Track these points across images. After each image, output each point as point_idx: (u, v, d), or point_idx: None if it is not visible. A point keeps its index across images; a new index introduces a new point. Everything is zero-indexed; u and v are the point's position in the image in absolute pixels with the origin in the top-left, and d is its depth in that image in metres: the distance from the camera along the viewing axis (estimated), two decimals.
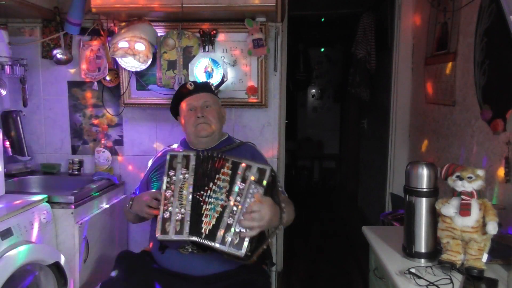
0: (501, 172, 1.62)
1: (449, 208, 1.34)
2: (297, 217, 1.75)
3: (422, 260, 1.45)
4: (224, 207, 1.46)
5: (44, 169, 2.57)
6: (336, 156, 6.42)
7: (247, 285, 1.58)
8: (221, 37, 2.37)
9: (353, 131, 5.34)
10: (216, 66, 2.35)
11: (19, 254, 1.68)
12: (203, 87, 1.87)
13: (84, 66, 2.48)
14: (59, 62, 2.48)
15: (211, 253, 1.54)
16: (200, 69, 2.34)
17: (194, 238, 1.47)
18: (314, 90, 6.53)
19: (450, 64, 2.14)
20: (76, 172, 2.54)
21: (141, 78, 2.44)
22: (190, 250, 1.58)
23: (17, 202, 1.86)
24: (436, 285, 1.26)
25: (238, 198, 1.45)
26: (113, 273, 1.63)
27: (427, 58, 2.48)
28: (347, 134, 5.79)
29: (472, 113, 1.90)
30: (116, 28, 2.38)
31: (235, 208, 1.45)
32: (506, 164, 1.58)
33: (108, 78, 2.49)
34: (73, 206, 2.02)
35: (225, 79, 2.36)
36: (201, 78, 2.34)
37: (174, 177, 1.53)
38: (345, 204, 5.24)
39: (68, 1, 2.30)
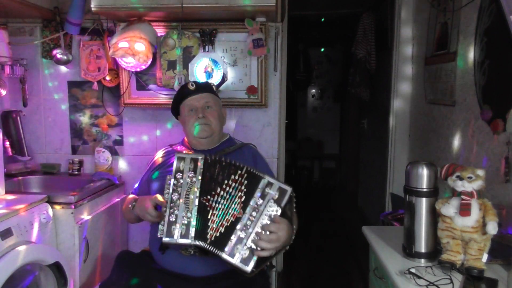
0: (501, 172, 1.62)
1: (449, 208, 1.34)
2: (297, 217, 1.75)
3: (422, 260, 1.45)
4: (237, 219, 1.45)
5: (44, 169, 2.57)
6: (336, 156, 6.42)
7: (247, 285, 1.58)
8: (221, 37, 2.37)
9: (353, 131, 5.34)
10: (216, 66, 2.35)
11: (19, 254, 1.68)
12: (205, 88, 1.87)
13: (84, 66, 2.48)
14: (59, 62, 2.48)
15: (213, 256, 1.53)
16: (200, 69, 2.34)
17: (199, 243, 1.46)
18: (314, 90, 6.53)
19: (450, 64, 2.14)
20: (76, 172, 2.54)
21: (141, 78, 2.44)
22: (192, 252, 1.56)
23: (17, 202, 1.86)
24: (436, 285, 1.26)
25: (254, 214, 1.44)
26: (112, 272, 1.64)
27: (427, 58, 2.48)
28: (347, 134, 5.79)
29: (472, 113, 1.90)
30: (116, 28, 2.38)
31: (249, 223, 1.44)
32: (506, 164, 1.58)
33: (108, 78, 2.49)
34: (73, 206, 2.02)
35: (225, 79, 2.36)
36: (201, 78, 2.34)
37: (181, 180, 1.51)
38: (345, 204, 5.24)
39: (68, 1, 2.30)
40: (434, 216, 1.44)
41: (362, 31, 3.57)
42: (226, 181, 1.50)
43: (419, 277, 1.30)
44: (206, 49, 2.34)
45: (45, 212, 1.93)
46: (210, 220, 1.48)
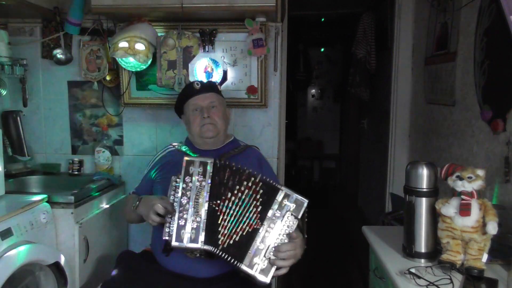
0: (501, 172, 1.62)
1: (449, 208, 1.34)
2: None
3: (422, 260, 1.45)
4: (255, 229, 1.45)
5: (44, 169, 2.57)
6: (336, 156, 6.42)
7: (248, 285, 1.58)
8: (221, 37, 2.37)
9: (353, 131, 5.34)
10: (216, 66, 2.35)
11: (19, 254, 1.68)
12: (210, 87, 1.86)
13: (84, 66, 2.48)
14: (59, 62, 2.48)
15: (217, 259, 1.53)
16: (200, 69, 2.34)
17: (208, 248, 1.45)
18: (314, 90, 6.53)
19: (450, 64, 2.14)
20: (76, 172, 2.54)
21: (141, 78, 2.44)
22: (198, 255, 1.55)
23: (17, 202, 1.86)
24: (436, 285, 1.26)
25: (272, 225, 1.45)
26: (114, 272, 1.63)
27: (427, 58, 2.48)
28: (347, 134, 5.79)
29: (472, 113, 1.90)
30: (116, 28, 2.38)
31: (267, 234, 1.44)
32: (506, 164, 1.58)
33: (108, 78, 2.49)
34: (73, 206, 2.02)
35: (226, 79, 2.36)
36: (201, 78, 2.34)
37: (190, 184, 1.49)
38: (345, 204, 5.24)
39: (68, 1, 2.30)
40: (434, 216, 1.44)
41: (362, 31, 3.57)
42: (237, 187, 1.49)
43: (419, 277, 1.30)
44: (206, 49, 2.34)
45: (45, 212, 1.93)
46: (221, 226, 1.47)
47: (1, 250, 1.64)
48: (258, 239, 1.44)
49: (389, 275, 1.39)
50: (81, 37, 2.47)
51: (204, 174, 1.50)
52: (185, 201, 1.48)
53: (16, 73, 2.35)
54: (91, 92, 2.55)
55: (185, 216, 1.46)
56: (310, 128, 6.52)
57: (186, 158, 1.54)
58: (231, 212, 1.48)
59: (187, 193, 1.49)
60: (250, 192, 1.49)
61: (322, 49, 6.41)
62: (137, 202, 1.65)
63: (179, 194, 1.49)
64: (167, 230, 1.48)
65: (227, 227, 1.47)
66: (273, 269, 1.43)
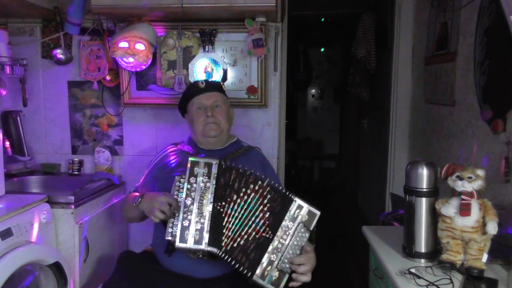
0: (501, 172, 1.62)
1: (449, 208, 1.34)
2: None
3: (422, 260, 1.45)
4: (265, 239, 1.44)
5: (44, 169, 2.57)
6: (336, 156, 6.42)
7: (249, 285, 1.58)
8: (221, 37, 2.37)
9: (353, 131, 5.34)
10: (216, 66, 2.35)
11: (19, 254, 1.68)
12: (215, 87, 1.86)
13: (84, 66, 2.48)
14: (59, 62, 2.48)
15: (220, 261, 1.52)
16: (200, 69, 2.34)
17: (212, 249, 1.44)
18: (314, 90, 6.53)
19: (450, 64, 2.14)
20: (76, 172, 2.54)
21: (141, 78, 2.44)
22: (200, 256, 1.55)
23: (17, 202, 1.86)
24: (436, 285, 1.26)
25: (285, 237, 1.44)
26: (114, 272, 1.63)
27: (427, 58, 2.48)
28: (347, 134, 5.79)
29: (472, 113, 1.90)
30: (116, 28, 2.38)
31: (279, 246, 1.44)
32: (506, 164, 1.58)
33: (108, 78, 2.49)
34: (73, 206, 2.01)
35: (226, 79, 2.36)
36: (201, 78, 2.34)
37: (194, 185, 1.48)
38: (345, 204, 5.24)
39: (68, 1, 2.30)
40: (434, 216, 1.44)
41: (362, 31, 3.57)
42: (244, 189, 1.48)
43: (419, 277, 1.30)
44: (206, 49, 2.34)
45: (45, 212, 1.93)
46: (225, 228, 1.47)
47: (1, 250, 1.64)
48: (270, 250, 1.43)
49: (389, 275, 1.39)
50: (81, 37, 2.47)
51: (209, 175, 1.49)
52: (190, 202, 1.47)
53: (16, 73, 2.35)
54: (91, 92, 2.55)
55: (189, 217, 1.45)
56: (310, 128, 6.52)
57: (191, 158, 1.52)
58: (236, 214, 1.47)
59: (192, 194, 1.47)
60: (257, 196, 1.48)
61: (322, 49, 6.41)
62: (139, 199, 1.62)
63: (184, 195, 1.48)
64: (170, 230, 1.47)
65: (232, 229, 1.46)
66: (285, 279, 1.43)
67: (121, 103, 2.48)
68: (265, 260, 1.42)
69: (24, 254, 1.71)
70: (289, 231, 1.45)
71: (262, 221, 1.46)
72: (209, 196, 1.48)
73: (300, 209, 1.46)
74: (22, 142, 2.47)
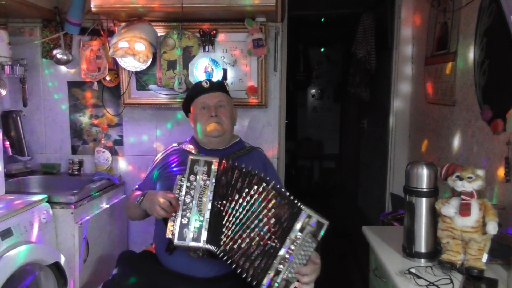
0: (501, 172, 1.62)
1: (449, 208, 1.34)
2: None
3: (422, 260, 1.45)
4: (271, 247, 1.43)
5: (44, 169, 2.57)
6: (336, 156, 6.42)
7: (249, 285, 1.58)
8: (221, 37, 2.37)
9: (353, 131, 5.34)
10: (216, 66, 2.35)
11: (19, 254, 1.68)
12: (219, 86, 1.86)
13: (84, 66, 2.48)
14: (59, 62, 2.48)
15: (220, 260, 1.53)
16: (200, 69, 2.34)
17: (210, 247, 1.44)
18: (314, 90, 6.53)
19: (450, 64, 2.14)
20: (76, 172, 2.54)
21: (141, 78, 2.44)
22: (200, 254, 1.54)
23: (17, 202, 1.86)
24: (436, 285, 1.26)
25: (293, 247, 1.43)
26: (114, 272, 1.63)
27: (427, 58, 2.48)
28: (347, 134, 5.79)
29: (472, 113, 1.90)
30: (116, 28, 2.38)
31: (287, 256, 1.42)
32: (506, 164, 1.58)
33: (108, 78, 2.49)
34: (73, 206, 2.02)
35: (226, 79, 2.36)
36: (201, 78, 2.34)
37: (194, 183, 1.49)
38: (345, 204, 5.24)
39: (68, 1, 2.30)
40: (434, 216, 1.44)
41: (362, 31, 3.57)
42: (247, 190, 1.48)
43: (419, 277, 1.30)
44: (206, 49, 2.34)
45: (45, 212, 1.93)
46: (225, 227, 1.46)
47: (1, 250, 1.64)
48: (278, 260, 1.42)
49: (389, 275, 1.39)
50: (81, 37, 2.47)
51: (208, 173, 1.50)
52: (189, 199, 1.48)
53: (16, 73, 2.35)
54: (91, 92, 2.56)
55: (188, 214, 1.46)
56: (310, 128, 6.52)
57: (191, 157, 1.53)
58: (238, 214, 1.47)
59: (191, 192, 1.48)
60: (260, 198, 1.47)
61: (322, 49, 6.41)
62: (141, 198, 1.65)
63: (183, 193, 1.49)
64: (170, 228, 1.47)
65: (232, 229, 1.46)
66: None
67: (121, 103, 2.48)
68: (272, 270, 1.41)
69: (24, 254, 1.71)
70: (297, 241, 1.43)
71: (267, 227, 1.45)
72: (209, 194, 1.48)
73: (309, 219, 1.45)
74: (22, 142, 2.47)
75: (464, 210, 1.31)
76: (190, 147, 1.84)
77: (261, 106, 2.42)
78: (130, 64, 2.27)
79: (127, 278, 1.58)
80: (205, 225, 1.45)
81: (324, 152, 6.45)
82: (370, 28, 3.55)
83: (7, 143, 2.41)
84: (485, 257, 1.33)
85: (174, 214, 1.48)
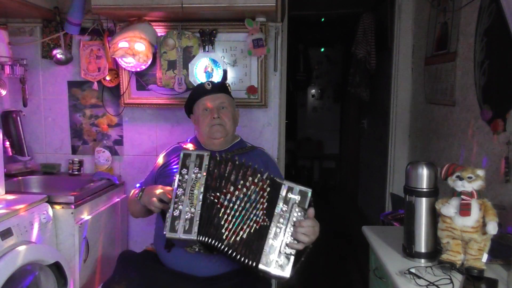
0: (501, 172, 1.62)
1: (449, 208, 1.34)
2: None
3: (422, 260, 1.45)
4: (263, 227, 1.44)
5: (44, 169, 2.57)
6: (336, 156, 6.42)
7: (249, 285, 1.58)
8: (221, 37, 2.37)
9: (353, 131, 5.34)
10: (216, 66, 2.35)
11: (19, 254, 1.68)
12: (221, 88, 1.86)
13: (84, 66, 2.48)
14: (59, 62, 2.48)
15: (218, 253, 1.53)
16: (200, 69, 2.34)
17: (203, 239, 1.45)
18: (314, 90, 6.53)
19: (450, 64, 2.14)
20: (76, 172, 2.54)
21: (141, 78, 2.44)
22: (197, 249, 1.57)
23: (17, 202, 1.86)
24: (436, 285, 1.26)
25: (281, 220, 1.44)
26: (114, 272, 1.63)
27: (427, 58, 2.48)
28: (347, 134, 5.79)
29: (472, 113, 1.90)
30: (116, 28, 2.38)
31: (278, 230, 1.44)
32: (506, 164, 1.58)
33: (108, 78, 2.49)
34: (73, 206, 2.02)
35: (226, 79, 2.36)
36: (201, 78, 2.34)
37: (186, 176, 1.50)
38: (345, 204, 5.24)
39: (68, 1, 2.30)
40: (434, 216, 1.44)
41: (362, 31, 3.57)
42: (242, 182, 1.49)
43: (419, 277, 1.30)
44: (206, 49, 2.35)
45: (45, 212, 1.93)
46: (224, 220, 1.47)
47: (1, 250, 1.64)
48: (270, 237, 1.43)
49: (389, 275, 1.39)
50: (81, 37, 2.47)
51: (200, 166, 1.51)
52: (180, 192, 1.49)
53: (16, 73, 2.35)
54: (91, 92, 2.55)
55: (180, 207, 1.48)
56: (310, 128, 6.52)
57: (183, 151, 1.56)
58: (235, 207, 1.48)
59: (183, 184, 1.50)
60: (257, 189, 1.48)
61: (322, 49, 6.41)
62: (141, 193, 1.69)
63: (175, 186, 1.50)
64: (167, 224, 1.48)
65: (233, 222, 1.47)
66: (291, 263, 1.43)
67: (121, 103, 2.48)
68: (267, 247, 1.43)
69: (24, 254, 1.71)
70: (285, 214, 1.45)
71: (261, 212, 1.47)
72: (200, 187, 1.49)
73: (291, 191, 1.47)
74: (22, 142, 2.47)
75: (464, 210, 1.31)
76: (190, 146, 1.85)
77: (261, 106, 2.42)
78: (130, 64, 2.27)
79: (127, 278, 1.58)
80: (197, 217, 1.46)
81: (324, 152, 6.45)
82: (370, 28, 3.55)
83: (7, 143, 2.41)
84: (485, 257, 1.33)
85: (171, 207, 1.50)
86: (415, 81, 2.76)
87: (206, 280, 1.59)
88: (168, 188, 1.57)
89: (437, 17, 2.34)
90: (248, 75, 2.39)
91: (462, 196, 1.33)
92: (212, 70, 2.35)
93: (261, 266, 1.41)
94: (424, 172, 1.43)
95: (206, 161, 1.52)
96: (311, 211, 1.46)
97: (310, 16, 4.87)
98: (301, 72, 5.69)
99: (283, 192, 1.46)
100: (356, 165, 5.01)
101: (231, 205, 1.48)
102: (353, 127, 5.37)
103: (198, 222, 1.46)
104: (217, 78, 2.35)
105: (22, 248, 1.71)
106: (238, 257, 1.43)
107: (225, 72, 2.37)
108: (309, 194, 1.46)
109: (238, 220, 1.47)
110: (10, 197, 1.94)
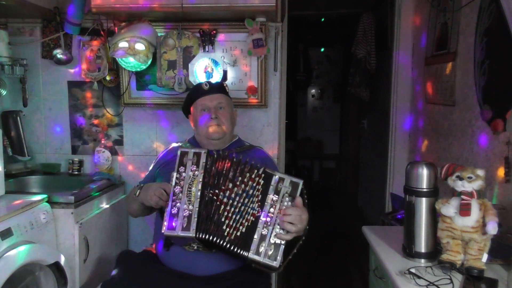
0: (501, 172, 1.62)
1: (449, 208, 1.34)
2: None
3: (422, 260, 1.45)
4: (257, 217, 1.46)
5: (44, 169, 2.57)
6: (336, 156, 6.42)
7: (249, 285, 1.58)
8: (221, 37, 2.37)
9: (353, 131, 5.34)
10: (216, 66, 2.35)
11: (19, 254, 1.68)
12: (219, 88, 1.87)
13: (84, 66, 2.48)
14: (59, 62, 2.48)
15: (216, 251, 1.54)
16: (200, 69, 2.34)
17: (201, 236, 1.46)
18: (314, 90, 6.53)
19: (450, 64, 2.14)
20: (76, 172, 2.54)
21: (141, 78, 2.44)
22: (195, 247, 1.57)
23: (17, 202, 1.86)
24: (436, 285, 1.26)
25: (272, 210, 1.46)
26: (114, 272, 1.63)
27: (427, 58, 2.48)
28: (347, 134, 5.79)
29: (472, 113, 1.90)
30: (116, 28, 2.38)
31: (268, 219, 1.45)
32: (506, 164, 1.58)
33: (108, 78, 2.49)
34: (73, 206, 2.02)
35: (226, 79, 2.36)
36: (201, 78, 2.34)
37: (183, 174, 1.52)
38: (345, 204, 5.24)
39: (68, 1, 2.30)
40: (434, 216, 1.44)
41: (362, 31, 3.57)
42: (240, 178, 1.50)
43: (419, 277, 1.30)
44: (206, 49, 2.35)
45: (45, 212, 1.93)
46: (224, 216, 1.48)
47: (1, 250, 1.64)
48: (260, 226, 1.45)
49: (389, 275, 1.39)
50: (81, 37, 2.47)
51: (197, 164, 1.52)
52: (178, 190, 1.51)
53: (16, 73, 2.35)
54: (91, 92, 2.55)
55: (177, 205, 1.49)
56: (310, 128, 6.52)
57: (180, 149, 1.57)
58: (235, 203, 1.49)
59: (181, 182, 1.51)
60: (254, 184, 1.50)
61: (322, 49, 6.41)
62: (138, 190, 1.69)
63: (173, 183, 1.52)
64: (165, 223, 1.49)
65: (233, 219, 1.48)
66: (281, 253, 1.43)
67: (121, 103, 2.48)
68: (256, 236, 1.44)
69: (24, 254, 1.70)
70: (275, 204, 1.47)
71: (257, 204, 1.49)
72: (198, 184, 1.50)
73: (283, 182, 1.48)
74: (22, 142, 2.47)
75: (464, 210, 1.31)
76: (187, 146, 1.85)
77: (261, 106, 2.42)
78: (130, 64, 2.27)
79: (127, 278, 1.58)
80: (195, 215, 1.47)
81: (324, 152, 6.45)
82: (370, 28, 3.55)
83: (7, 143, 2.41)
84: (485, 257, 1.33)
85: (168, 207, 1.51)
86: (415, 81, 2.76)
87: (206, 280, 1.59)
88: (164, 185, 1.57)
89: (437, 17, 2.34)
90: (248, 75, 2.39)
91: (462, 196, 1.33)
92: (212, 70, 2.35)
93: (250, 255, 1.43)
94: (424, 172, 1.43)
95: (203, 159, 1.53)
96: (299, 199, 1.47)
97: (310, 16, 4.87)
98: (301, 72, 5.69)
99: (274, 183, 1.48)
100: (356, 165, 5.01)
101: (230, 201, 1.49)
102: (353, 127, 5.37)
103: (196, 219, 1.47)
104: (217, 78, 2.35)
105: (22, 248, 1.71)
106: (232, 248, 1.45)
107: (225, 72, 2.37)
108: (300, 185, 1.48)
109: (238, 216, 1.48)
110: (10, 197, 1.94)
